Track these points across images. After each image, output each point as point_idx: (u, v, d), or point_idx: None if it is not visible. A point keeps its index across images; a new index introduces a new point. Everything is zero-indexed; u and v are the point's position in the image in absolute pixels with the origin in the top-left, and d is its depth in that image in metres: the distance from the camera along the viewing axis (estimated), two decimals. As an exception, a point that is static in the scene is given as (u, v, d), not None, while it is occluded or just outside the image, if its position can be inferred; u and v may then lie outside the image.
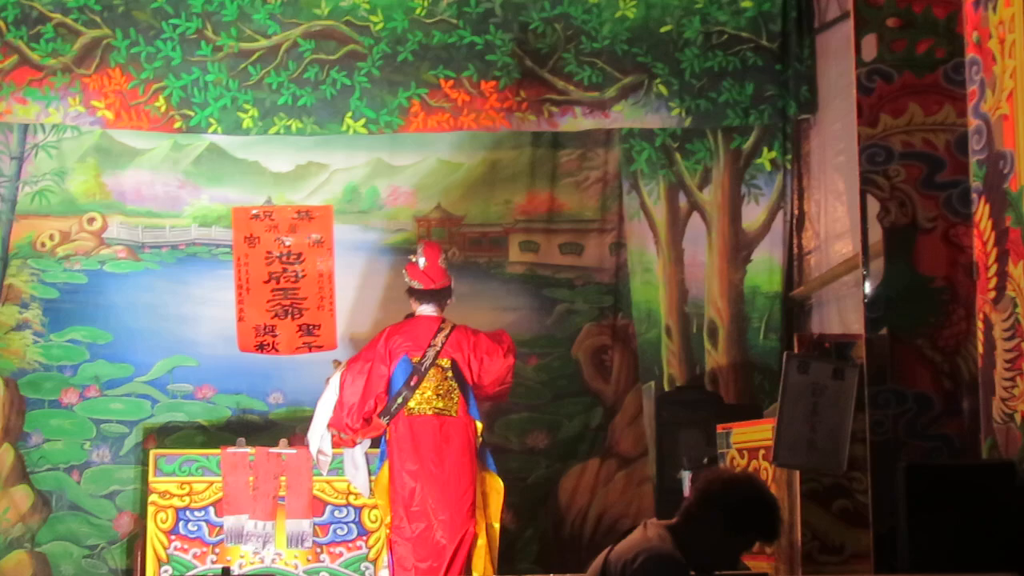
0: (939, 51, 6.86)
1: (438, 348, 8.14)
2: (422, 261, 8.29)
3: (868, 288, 6.86)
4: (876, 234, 6.84)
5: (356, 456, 8.35)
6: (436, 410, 8.12)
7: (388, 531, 8.09)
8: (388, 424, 8.13)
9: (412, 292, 8.32)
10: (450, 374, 8.16)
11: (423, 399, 8.12)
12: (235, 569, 8.77)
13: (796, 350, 7.11)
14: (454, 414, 8.13)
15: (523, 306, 9.91)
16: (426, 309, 8.30)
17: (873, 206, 6.84)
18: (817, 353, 6.95)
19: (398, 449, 8.08)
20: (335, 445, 8.35)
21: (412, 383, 8.11)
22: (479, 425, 8.21)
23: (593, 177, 9.91)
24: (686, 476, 8.17)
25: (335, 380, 8.19)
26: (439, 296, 8.30)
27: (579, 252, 9.95)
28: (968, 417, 6.70)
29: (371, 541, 8.86)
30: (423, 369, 8.13)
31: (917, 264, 6.79)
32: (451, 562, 7.94)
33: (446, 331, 8.21)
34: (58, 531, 9.47)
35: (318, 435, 8.25)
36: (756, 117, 9.35)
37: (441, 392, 8.14)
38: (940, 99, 6.82)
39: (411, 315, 8.39)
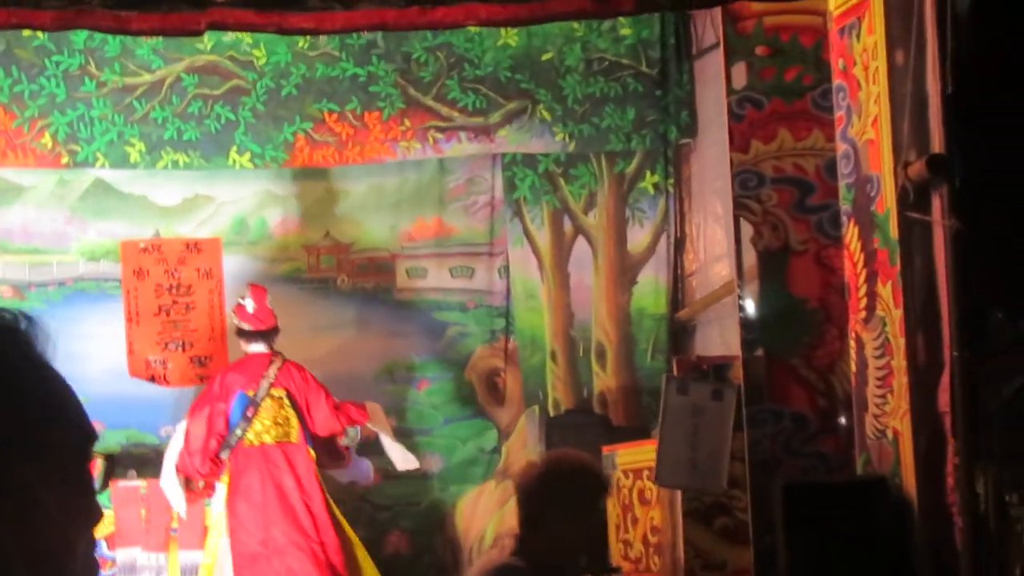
0: (807, 78, 7.05)
1: (271, 379, 8.54)
2: (250, 304, 8.70)
3: (744, 310, 7.02)
4: (751, 257, 7.01)
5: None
6: (275, 438, 8.45)
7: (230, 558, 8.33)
8: (228, 458, 8.39)
9: (242, 333, 8.72)
10: (286, 402, 8.52)
11: (262, 429, 8.48)
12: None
13: (676, 372, 7.26)
14: (294, 440, 8.46)
15: (413, 331, 9.93)
16: (256, 347, 8.70)
17: (747, 230, 7.01)
18: (696, 375, 7.09)
19: (240, 480, 8.38)
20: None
21: (249, 415, 8.44)
22: (313, 454, 8.54)
23: (481, 201, 9.98)
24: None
25: (180, 428, 8.50)
26: (268, 336, 8.71)
27: (470, 275, 10.01)
28: (843, 434, 6.88)
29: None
30: (258, 400, 8.48)
31: (791, 286, 6.96)
32: None
33: (277, 363, 8.62)
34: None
35: (172, 482, 8.43)
36: (638, 142, 9.51)
37: (279, 421, 8.49)
38: (809, 125, 7.01)
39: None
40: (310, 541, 8.27)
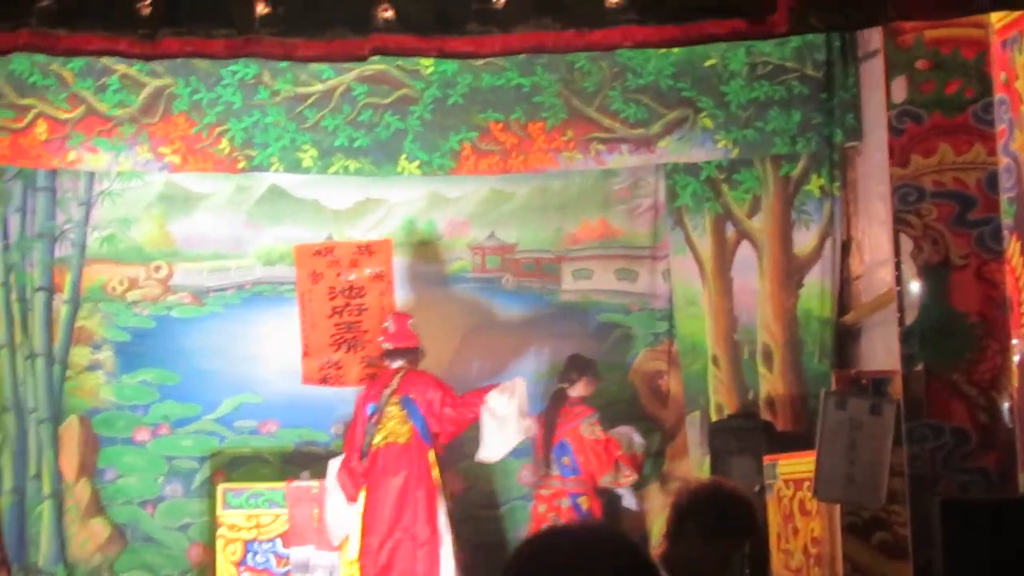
0: (968, 91, 6.98)
1: (393, 387, 9.08)
2: (392, 326, 9.23)
3: (903, 325, 7.00)
4: (911, 271, 6.98)
5: (338, 503, 9.02)
6: (394, 439, 8.97)
7: (359, 558, 8.88)
8: (365, 463, 8.94)
9: (385, 353, 9.27)
10: (404, 407, 8.99)
11: (387, 433, 9.01)
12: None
13: (833, 387, 7.25)
14: (403, 441, 8.98)
15: (578, 332, 10.06)
16: (395, 364, 9.21)
17: (907, 244, 6.99)
18: (855, 389, 7.08)
19: (369, 481, 8.92)
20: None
21: (373, 420, 9.02)
22: (431, 452, 8.99)
23: (645, 205, 10.06)
24: (739, 503, 8.33)
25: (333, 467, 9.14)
26: (406, 354, 9.23)
27: (633, 279, 10.10)
28: (1005, 450, 6.83)
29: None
30: (381, 406, 9.03)
31: (951, 300, 6.93)
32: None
33: (401, 374, 9.14)
34: (135, 561, 9.77)
35: (334, 510, 9.02)
36: (804, 145, 9.42)
37: (400, 421, 9.00)
38: (970, 138, 6.95)
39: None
40: (409, 539, 8.78)
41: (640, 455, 9.14)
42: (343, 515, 8.95)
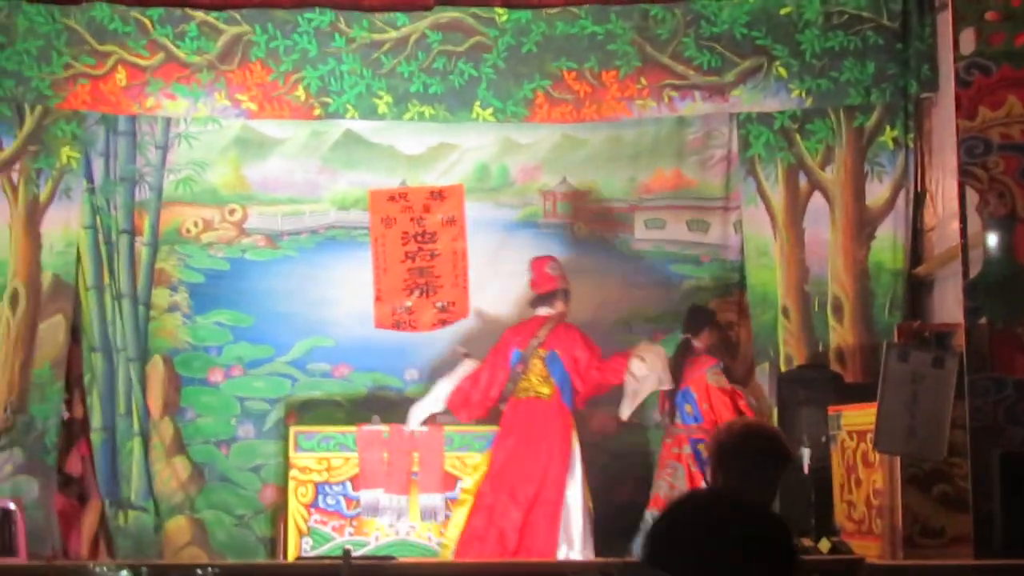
0: (1039, 43, 6.92)
1: (540, 340, 9.13)
2: (531, 273, 9.38)
3: (968, 278, 6.97)
4: (976, 225, 6.95)
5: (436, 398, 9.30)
6: (536, 394, 9.03)
7: (473, 499, 8.94)
8: (504, 408, 9.03)
9: (530, 301, 9.37)
10: (548, 364, 9.04)
11: (528, 384, 9.08)
12: (371, 541, 9.23)
13: (896, 339, 7.24)
14: (546, 397, 9.04)
15: (650, 282, 10.08)
16: (540, 310, 9.30)
17: (972, 197, 6.95)
18: (917, 342, 7.07)
19: (504, 428, 9.02)
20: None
21: (518, 370, 9.07)
22: (570, 413, 9.03)
23: (718, 155, 10.05)
24: (806, 453, 8.38)
25: (461, 370, 9.23)
26: (549, 298, 9.29)
27: (705, 229, 10.10)
28: (1068, 404, 6.80)
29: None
30: (526, 358, 9.08)
31: (1016, 254, 6.89)
32: (524, 535, 8.77)
33: (550, 325, 9.14)
34: (211, 500, 9.94)
35: (425, 411, 9.25)
36: (878, 96, 9.39)
37: (542, 378, 9.05)
38: (1039, 91, 6.89)
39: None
40: (529, 492, 8.79)
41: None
42: (429, 408, 9.18)
